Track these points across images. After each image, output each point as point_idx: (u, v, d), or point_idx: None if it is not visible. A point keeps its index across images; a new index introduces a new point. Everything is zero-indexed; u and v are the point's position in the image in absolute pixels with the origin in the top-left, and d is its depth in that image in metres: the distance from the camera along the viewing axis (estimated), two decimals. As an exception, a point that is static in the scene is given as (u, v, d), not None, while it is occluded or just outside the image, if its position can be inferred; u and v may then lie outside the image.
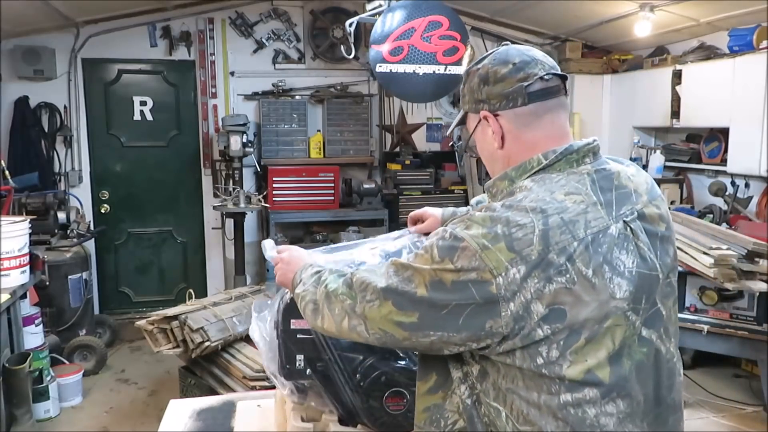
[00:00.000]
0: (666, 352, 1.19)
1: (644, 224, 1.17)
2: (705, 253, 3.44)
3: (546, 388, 1.08)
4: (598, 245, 1.08)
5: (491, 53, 1.26)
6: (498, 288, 1.05)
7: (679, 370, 1.25)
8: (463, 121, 1.33)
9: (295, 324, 1.54)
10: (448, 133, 1.53)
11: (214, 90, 5.65)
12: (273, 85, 5.68)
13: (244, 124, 4.88)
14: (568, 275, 1.05)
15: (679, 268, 1.40)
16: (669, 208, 1.32)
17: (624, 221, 1.14)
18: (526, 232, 1.06)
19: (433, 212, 1.75)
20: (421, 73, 3.94)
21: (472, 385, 1.17)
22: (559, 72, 1.22)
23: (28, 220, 3.70)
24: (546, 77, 1.19)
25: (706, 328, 3.59)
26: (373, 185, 5.47)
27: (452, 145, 5.90)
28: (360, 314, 1.18)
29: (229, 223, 5.34)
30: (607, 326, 1.08)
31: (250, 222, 5.63)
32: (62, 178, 5.44)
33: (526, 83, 1.18)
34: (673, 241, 1.25)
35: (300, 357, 1.52)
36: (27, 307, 3.87)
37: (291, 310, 1.53)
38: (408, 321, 1.11)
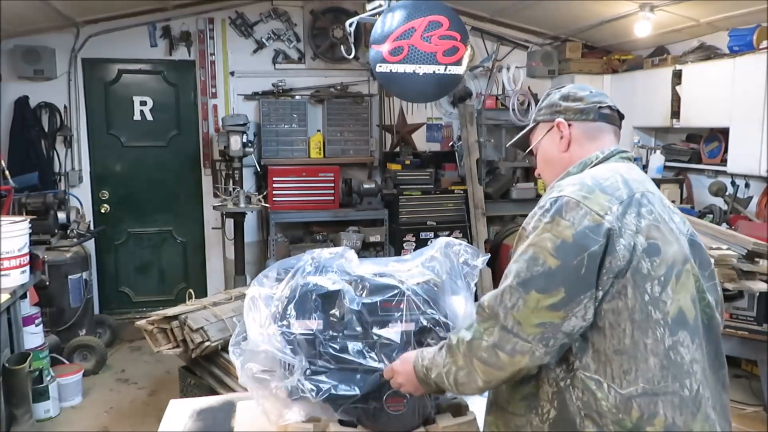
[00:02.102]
0: (720, 330, 1.34)
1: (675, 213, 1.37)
2: (705, 253, 3.44)
3: (651, 333, 1.17)
4: (662, 202, 1.31)
5: (569, 86, 1.52)
6: (610, 223, 1.19)
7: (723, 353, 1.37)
8: (529, 132, 1.56)
9: (294, 324, 1.54)
10: (517, 143, 1.66)
11: (214, 90, 5.65)
12: (273, 85, 5.68)
13: (244, 124, 4.88)
14: (653, 215, 1.24)
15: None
16: None
17: (663, 202, 1.34)
18: (612, 181, 1.27)
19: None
20: (421, 73, 3.94)
21: (569, 365, 1.22)
22: (621, 112, 1.48)
23: (28, 220, 3.70)
24: (613, 107, 1.45)
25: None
26: (373, 185, 5.47)
27: (452, 145, 5.91)
28: (511, 327, 1.19)
29: (229, 223, 5.34)
30: (687, 269, 1.25)
31: (250, 222, 5.63)
32: (62, 178, 5.44)
33: (599, 105, 1.44)
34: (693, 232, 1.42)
35: (300, 358, 1.51)
36: (27, 307, 3.87)
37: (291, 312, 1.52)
38: (558, 299, 1.17)
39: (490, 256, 1.80)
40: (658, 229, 1.23)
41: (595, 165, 1.37)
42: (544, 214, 1.23)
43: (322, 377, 1.48)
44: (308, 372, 1.48)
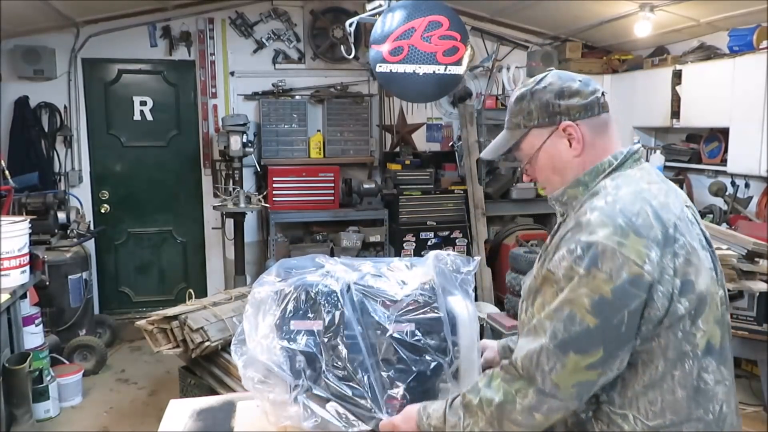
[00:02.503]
0: (730, 327, 1.31)
1: (693, 212, 1.33)
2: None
3: (680, 366, 1.15)
4: (686, 223, 1.23)
5: (546, 74, 1.35)
6: (650, 274, 1.12)
7: None
8: (518, 142, 1.38)
9: (295, 325, 1.54)
10: (488, 157, 1.53)
11: (214, 90, 5.65)
12: (273, 85, 5.68)
13: (244, 124, 4.88)
14: (685, 248, 1.17)
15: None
16: None
17: (686, 206, 1.30)
18: (644, 217, 1.16)
19: (491, 344, 1.70)
20: (421, 73, 3.94)
21: (593, 397, 1.19)
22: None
23: (28, 220, 3.70)
24: (604, 93, 1.34)
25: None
26: (373, 185, 5.47)
27: (452, 145, 5.90)
28: (549, 390, 1.14)
29: (229, 223, 5.34)
30: (713, 293, 1.20)
31: (250, 222, 5.63)
32: (62, 178, 5.44)
33: (597, 95, 1.32)
34: (708, 238, 1.37)
35: (300, 358, 1.51)
36: (27, 307, 3.87)
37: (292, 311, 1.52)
38: (596, 359, 1.12)
39: (480, 259, 1.77)
40: (689, 263, 1.17)
41: (609, 174, 1.28)
42: (577, 261, 1.13)
43: (317, 406, 1.43)
44: (306, 393, 1.45)
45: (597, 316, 1.10)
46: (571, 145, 1.31)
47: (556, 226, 1.36)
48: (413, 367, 1.45)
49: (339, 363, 1.44)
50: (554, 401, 1.15)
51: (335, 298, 1.49)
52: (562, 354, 1.12)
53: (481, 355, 1.63)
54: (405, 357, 1.45)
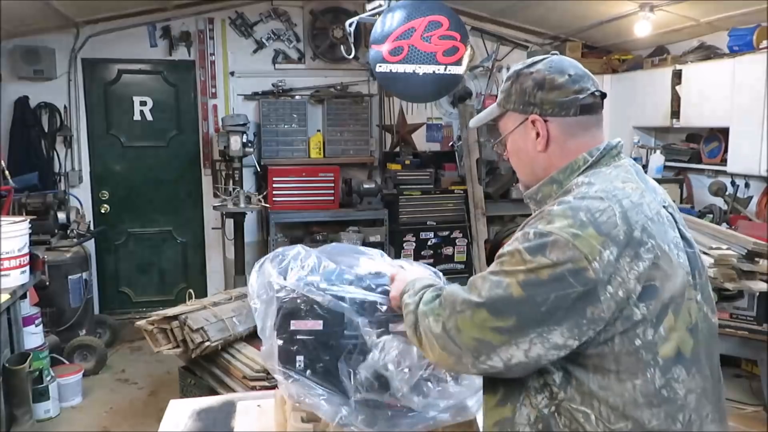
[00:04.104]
0: (716, 330, 1.27)
1: (674, 212, 1.27)
2: (705, 253, 3.43)
3: (641, 374, 1.10)
4: (661, 223, 1.17)
5: (544, 59, 1.30)
6: (596, 272, 1.07)
7: None
8: (497, 118, 1.37)
9: (295, 325, 1.54)
10: (472, 124, 1.57)
11: (214, 90, 5.65)
12: (273, 85, 5.68)
13: (244, 124, 4.88)
14: (653, 252, 1.11)
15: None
16: None
17: (664, 206, 1.24)
18: (609, 215, 1.11)
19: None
20: (421, 73, 3.93)
21: (552, 394, 1.15)
22: (603, 91, 1.30)
23: (28, 220, 3.70)
24: (596, 93, 1.27)
25: (706, 328, 3.58)
26: (373, 185, 5.47)
27: (452, 145, 5.90)
28: (451, 328, 1.16)
29: (229, 223, 5.34)
30: (686, 299, 1.16)
31: (250, 222, 5.63)
32: (62, 178, 5.44)
33: (581, 95, 1.25)
34: (689, 239, 1.31)
35: (300, 358, 1.51)
36: (27, 307, 3.86)
37: (291, 311, 1.53)
38: (506, 325, 1.10)
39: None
40: (657, 267, 1.11)
41: (584, 171, 1.24)
42: (526, 246, 1.11)
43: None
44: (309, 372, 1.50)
45: (524, 290, 1.08)
46: (537, 140, 1.28)
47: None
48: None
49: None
50: (452, 344, 1.16)
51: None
52: (476, 307, 1.13)
53: None
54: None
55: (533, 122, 1.27)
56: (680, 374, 1.13)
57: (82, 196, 5.42)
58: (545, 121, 1.26)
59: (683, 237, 1.23)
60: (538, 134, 1.27)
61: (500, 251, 1.18)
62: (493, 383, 1.25)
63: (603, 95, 1.29)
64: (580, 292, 1.06)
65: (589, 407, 1.12)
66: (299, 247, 1.64)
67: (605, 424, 1.11)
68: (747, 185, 4.52)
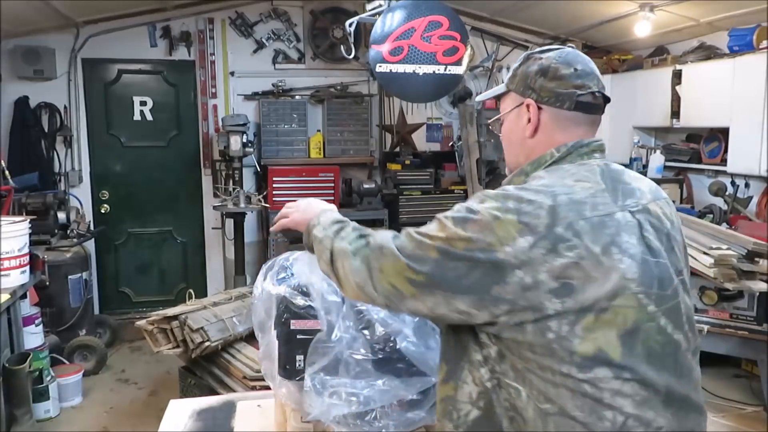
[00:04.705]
0: (686, 349, 1.21)
1: (649, 218, 1.21)
2: (705, 253, 3.44)
3: (558, 366, 1.11)
4: (604, 227, 1.13)
5: (559, 49, 1.32)
6: (506, 255, 1.10)
7: (697, 369, 1.26)
8: (500, 96, 1.39)
9: (294, 324, 1.54)
10: (478, 98, 1.62)
11: (214, 90, 5.65)
12: (273, 85, 5.68)
13: (244, 124, 4.88)
14: (576, 251, 1.10)
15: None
16: None
17: (630, 211, 1.18)
18: (535, 207, 1.12)
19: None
20: (421, 73, 3.93)
21: (492, 368, 1.18)
22: (606, 94, 1.29)
23: (28, 220, 3.70)
24: (597, 94, 1.27)
25: (706, 328, 3.58)
26: (373, 185, 5.47)
27: (452, 145, 5.90)
28: (374, 267, 1.21)
29: (229, 223, 5.34)
30: (617, 305, 1.11)
31: (250, 222, 5.63)
32: (62, 178, 5.44)
33: (579, 91, 1.26)
34: (680, 243, 1.27)
35: (300, 357, 1.51)
36: (27, 307, 3.87)
37: (290, 311, 1.53)
38: (417, 278, 1.16)
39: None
40: (579, 267, 1.09)
41: (549, 165, 1.25)
42: (453, 217, 1.17)
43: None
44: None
45: (439, 254, 1.14)
46: (527, 125, 1.30)
47: None
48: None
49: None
50: (370, 285, 1.21)
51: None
52: (398, 256, 1.18)
53: None
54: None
55: (528, 106, 1.29)
56: (606, 375, 1.11)
57: (82, 196, 5.42)
58: (539, 108, 1.28)
59: (648, 246, 1.17)
60: (529, 120, 1.29)
61: (438, 214, 1.22)
62: (440, 361, 1.28)
63: (605, 98, 1.29)
64: (487, 269, 1.11)
65: (521, 383, 1.14)
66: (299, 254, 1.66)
67: (535, 403, 1.13)
68: (747, 185, 4.52)
